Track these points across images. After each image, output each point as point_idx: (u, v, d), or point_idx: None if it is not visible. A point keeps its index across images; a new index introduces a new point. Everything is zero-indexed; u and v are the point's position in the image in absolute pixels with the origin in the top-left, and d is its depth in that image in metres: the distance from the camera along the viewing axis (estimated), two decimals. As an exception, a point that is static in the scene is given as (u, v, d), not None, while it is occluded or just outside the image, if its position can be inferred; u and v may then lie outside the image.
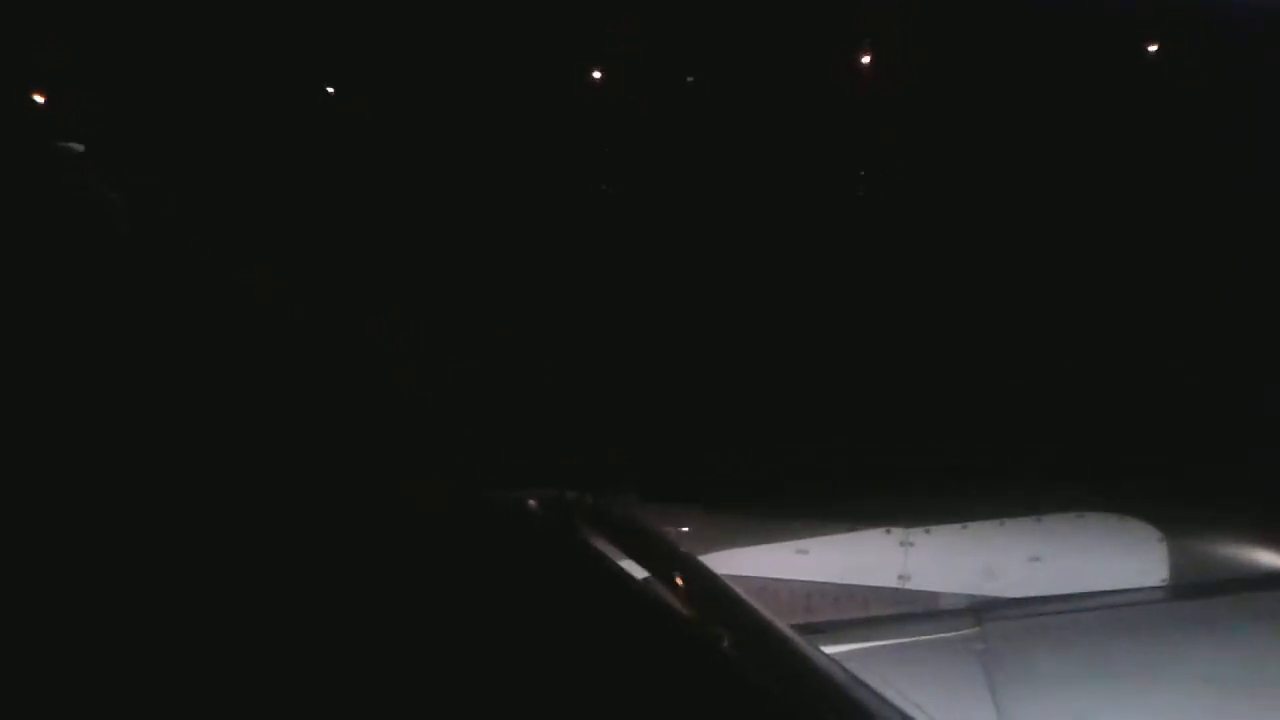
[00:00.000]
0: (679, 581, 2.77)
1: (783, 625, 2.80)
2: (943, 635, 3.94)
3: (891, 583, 4.34)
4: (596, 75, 17.28)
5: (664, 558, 2.93)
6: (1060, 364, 9.20)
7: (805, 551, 4.38)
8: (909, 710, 2.82)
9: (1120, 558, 4.28)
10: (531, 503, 2.75)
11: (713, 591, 2.84)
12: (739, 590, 2.88)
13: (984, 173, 14.72)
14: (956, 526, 4.40)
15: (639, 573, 2.77)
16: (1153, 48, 16.23)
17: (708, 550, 4.10)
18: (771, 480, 6.41)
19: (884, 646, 3.85)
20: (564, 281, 11.64)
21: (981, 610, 4.09)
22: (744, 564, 4.27)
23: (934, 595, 4.33)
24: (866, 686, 2.76)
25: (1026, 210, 13.49)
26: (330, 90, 17.28)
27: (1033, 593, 4.23)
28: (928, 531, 4.39)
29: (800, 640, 2.79)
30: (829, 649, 3.21)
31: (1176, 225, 12.49)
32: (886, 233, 13.57)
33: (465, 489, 2.61)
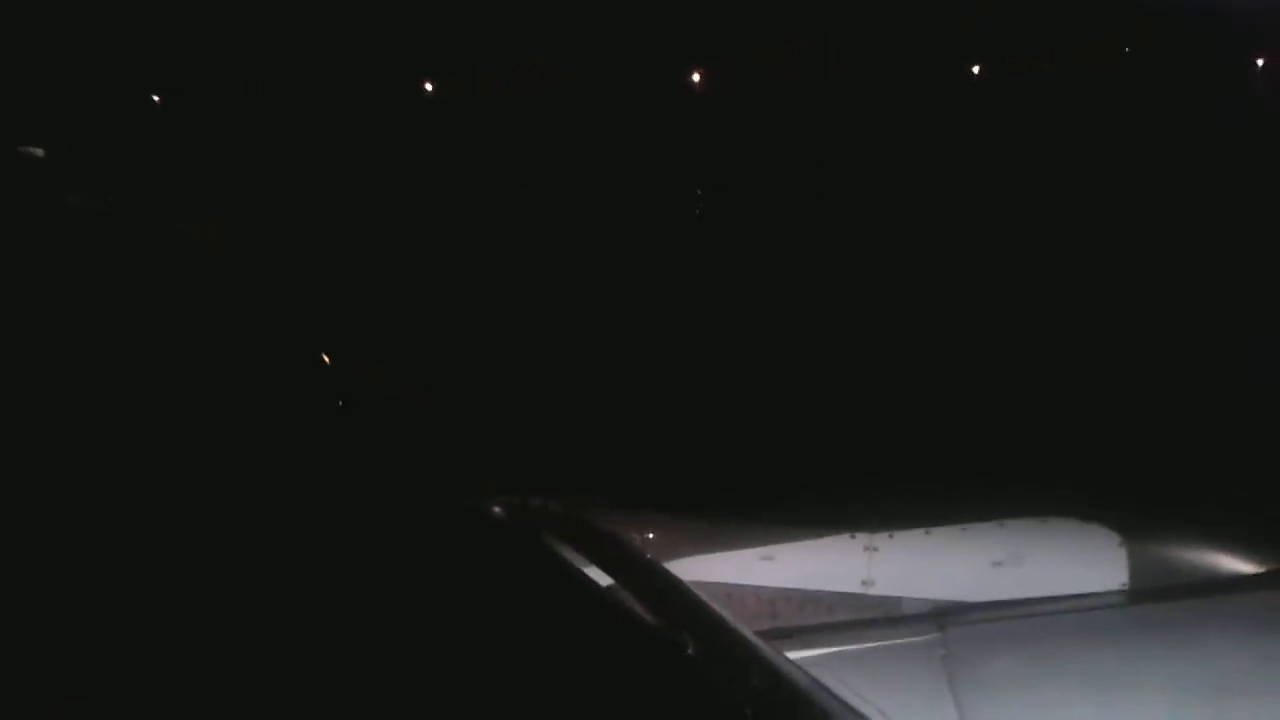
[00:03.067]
0: (643, 588, 2.78)
1: (747, 631, 2.81)
2: (906, 640, 3.95)
3: (855, 588, 4.35)
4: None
5: (628, 564, 2.94)
6: (1024, 369, 9.25)
7: (770, 557, 4.39)
8: (872, 715, 2.83)
9: (1081, 562, 4.31)
10: (495, 509, 2.75)
11: (677, 597, 2.84)
12: (704, 596, 2.89)
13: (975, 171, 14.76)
14: (920, 531, 4.41)
15: (604, 579, 2.76)
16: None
17: (673, 556, 4.10)
18: (736, 486, 6.43)
19: (847, 651, 3.86)
20: (522, 287, 11.63)
21: (944, 615, 4.10)
22: (709, 570, 4.27)
23: (897, 600, 4.35)
24: (830, 692, 2.77)
25: (1019, 211, 13.54)
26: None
27: (995, 597, 4.25)
28: (891, 536, 4.41)
29: (764, 646, 2.79)
30: (793, 654, 3.21)
31: (1134, 226, 12.59)
32: (854, 231, 13.59)
33: (429, 495, 2.60)
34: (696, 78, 16.96)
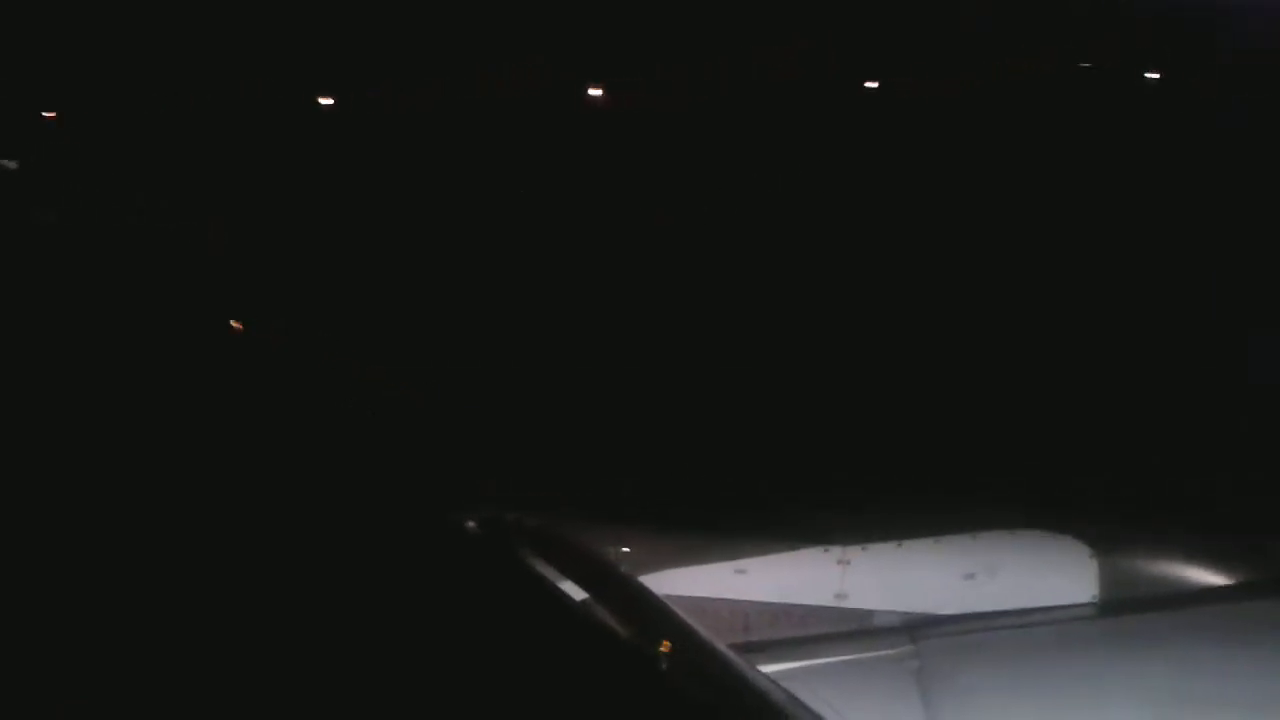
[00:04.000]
0: (618, 602, 2.78)
1: (720, 645, 2.81)
2: (878, 653, 3.96)
3: (828, 601, 4.35)
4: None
5: (603, 578, 2.94)
6: (996, 382, 9.28)
7: (743, 571, 4.39)
8: (845, 728, 2.84)
9: (1053, 575, 4.32)
10: (470, 524, 2.75)
11: (651, 611, 2.85)
12: (677, 610, 2.89)
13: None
14: (892, 545, 4.42)
15: (578, 593, 2.77)
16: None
17: (647, 570, 4.09)
18: (710, 499, 6.43)
19: (820, 665, 3.87)
20: (499, 297, 11.62)
21: (917, 628, 4.12)
22: (682, 584, 4.27)
23: (870, 613, 4.35)
24: (803, 705, 2.78)
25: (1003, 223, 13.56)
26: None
27: (968, 610, 4.26)
28: (864, 549, 4.41)
29: (737, 659, 2.80)
30: (766, 668, 3.22)
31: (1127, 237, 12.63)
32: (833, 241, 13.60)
33: (405, 509, 2.60)
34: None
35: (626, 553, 4.32)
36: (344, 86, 16.95)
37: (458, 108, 16.81)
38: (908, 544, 4.42)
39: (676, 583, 4.25)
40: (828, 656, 3.95)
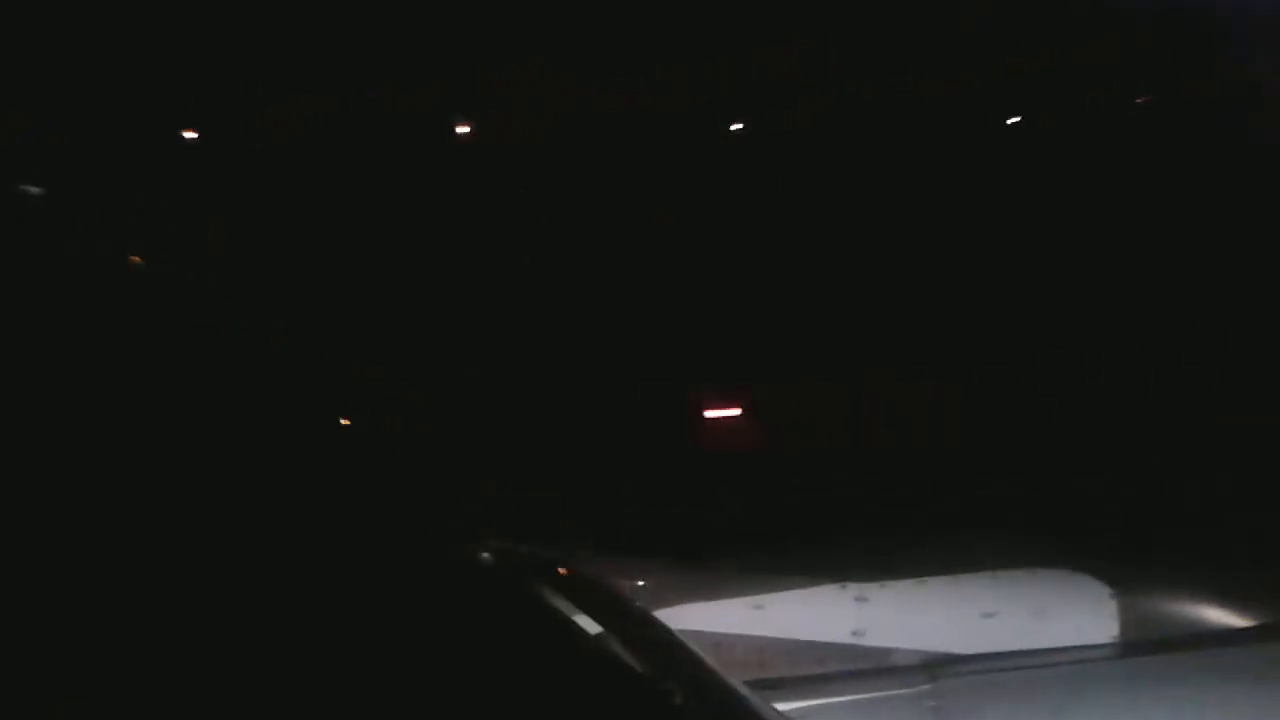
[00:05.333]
0: (633, 636, 2.76)
1: (736, 681, 2.80)
2: (897, 692, 3.94)
3: (846, 638, 4.33)
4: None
5: (618, 612, 2.92)
6: (1013, 420, 9.25)
7: (760, 606, 4.37)
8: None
9: (1072, 614, 4.30)
10: (485, 556, 2.74)
11: (667, 647, 2.83)
12: (693, 645, 2.87)
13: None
14: (911, 582, 4.40)
15: (593, 628, 2.75)
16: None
17: (662, 605, 4.08)
18: (727, 534, 6.41)
19: (838, 703, 3.85)
20: (509, 331, 11.62)
21: (935, 666, 4.09)
22: (699, 619, 4.25)
23: (888, 651, 4.33)
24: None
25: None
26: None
27: (986, 649, 4.23)
28: (882, 587, 4.39)
29: (754, 697, 2.78)
30: (783, 705, 3.20)
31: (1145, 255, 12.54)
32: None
33: (419, 541, 2.59)
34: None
35: (642, 587, 4.31)
36: (344, 87, 17.02)
37: (457, 109, 16.85)
38: (926, 581, 4.40)
39: (693, 618, 4.23)
40: (845, 694, 3.93)
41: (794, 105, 16.46)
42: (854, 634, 4.33)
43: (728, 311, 11.85)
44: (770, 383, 10.20)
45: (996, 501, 7.20)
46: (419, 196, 15.16)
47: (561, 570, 2.92)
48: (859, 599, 4.36)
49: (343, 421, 2.78)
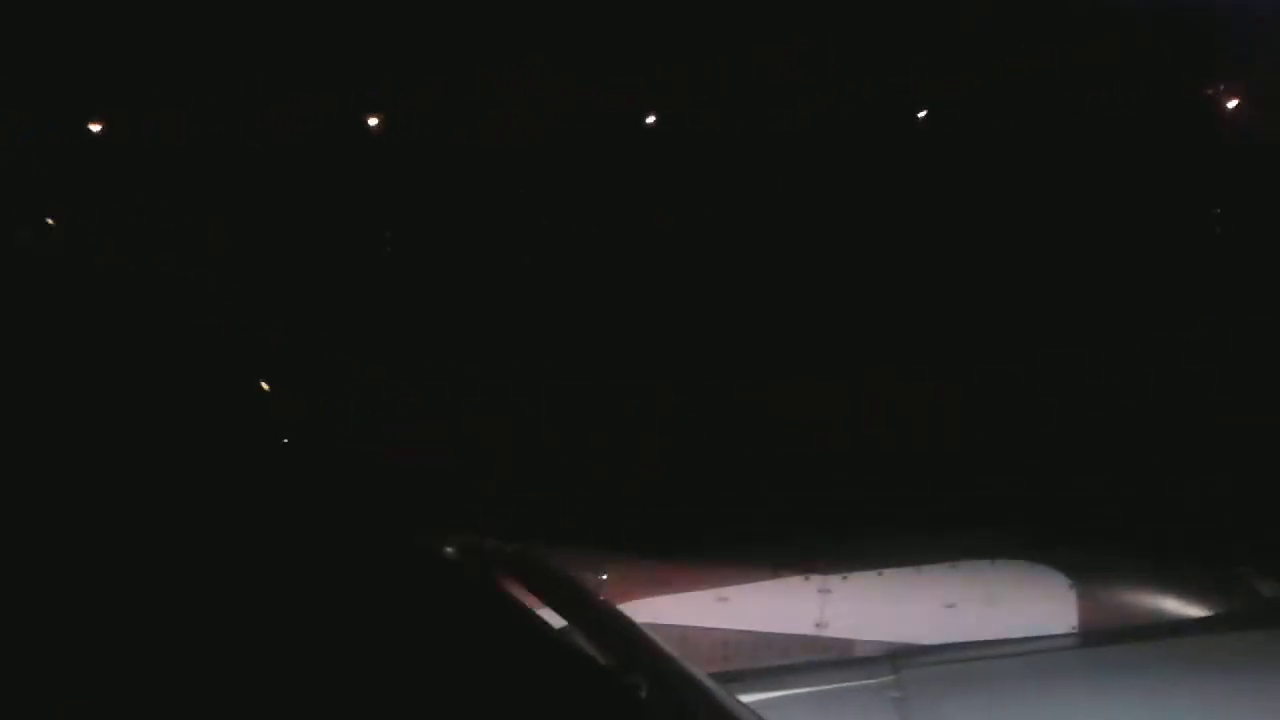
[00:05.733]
0: (597, 630, 2.76)
1: (701, 674, 2.80)
2: (860, 683, 3.95)
3: (809, 630, 4.34)
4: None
5: (582, 606, 2.92)
6: (973, 408, 9.29)
7: (723, 599, 4.37)
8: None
9: (1034, 604, 4.32)
10: (448, 549, 2.73)
11: (631, 640, 2.83)
12: (657, 639, 2.87)
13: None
14: (873, 573, 4.41)
15: (557, 621, 2.75)
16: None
17: (626, 598, 4.08)
18: (689, 527, 6.42)
19: (801, 694, 3.85)
20: (491, 320, 11.60)
21: (898, 657, 4.11)
22: (663, 612, 4.26)
23: (851, 643, 4.34)
24: (784, 735, 2.76)
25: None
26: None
27: (949, 639, 4.25)
28: (844, 578, 4.40)
29: (718, 689, 2.78)
30: (746, 698, 3.20)
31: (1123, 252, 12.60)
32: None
33: (380, 533, 2.58)
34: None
35: (605, 580, 4.31)
36: (343, 87, 16.96)
37: (453, 110, 16.82)
38: (888, 573, 4.42)
39: (656, 610, 4.23)
40: (809, 686, 3.94)
41: (794, 105, 16.52)
42: (817, 626, 4.34)
43: (702, 307, 11.89)
44: (738, 378, 10.22)
45: (961, 495, 7.23)
46: (419, 196, 15.15)
47: (524, 563, 2.92)
48: (822, 591, 4.37)
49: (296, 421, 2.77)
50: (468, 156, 16.07)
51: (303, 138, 15.97)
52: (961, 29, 16.12)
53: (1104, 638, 4.22)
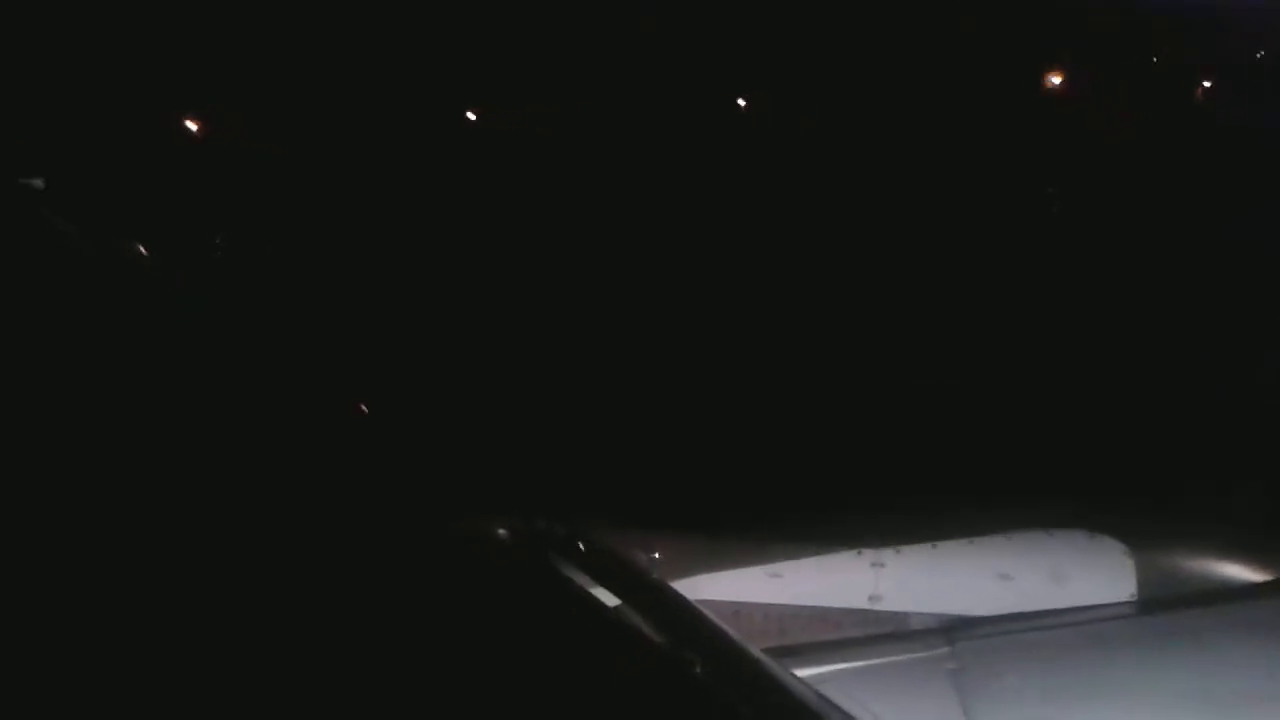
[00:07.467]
0: (650, 607, 2.77)
1: (755, 649, 2.81)
2: (915, 655, 3.95)
3: (863, 604, 4.35)
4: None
5: (636, 584, 2.93)
6: (1028, 380, 9.25)
7: (778, 575, 4.39)
8: (882, 731, 2.83)
9: (1089, 574, 4.30)
10: (501, 531, 2.75)
11: (685, 617, 2.84)
12: (711, 615, 2.88)
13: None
14: (926, 546, 4.41)
15: (611, 600, 2.76)
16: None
17: (680, 576, 4.10)
18: (742, 503, 6.42)
19: (857, 668, 3.86)
20: (526, 300, 11.64)
21: (953, 630, 4.11)
22: (716, 589, 4.27)
23: (905, 615, 4.34)
24: (839, 709, 2.77)
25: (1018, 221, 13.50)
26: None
27: (1003, 611, 4.24)
28: (898, 552, 4.40)
29: (773, 664, 2.79)
30: (802, 672, 3.21)
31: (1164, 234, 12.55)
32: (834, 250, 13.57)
33: (433, 517, 2.60)
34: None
35: (658, 557, 4.33)
36: (343, 86, 17.05)
37: (456, 107, 16.88)
38: (942, 545, 4.41)
39: (710, 587, 4.25)
40: (863, 659, 3.94)
41: (798, 104, 16.50)
42: (871, 599, 4.35)
43: (738, 297, 11.89)
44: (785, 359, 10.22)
45: (1010, 462, 7.21)
46: (419, 195, 15.21)
47: (578, 544, 2.93)
48: (875, 565, 4.38)
49: (352, 407, 2.79)
50: (468, 152, 16.17)
51: (302, 138, 16.10)
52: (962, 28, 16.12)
53: (1160, 606, 4.20)
